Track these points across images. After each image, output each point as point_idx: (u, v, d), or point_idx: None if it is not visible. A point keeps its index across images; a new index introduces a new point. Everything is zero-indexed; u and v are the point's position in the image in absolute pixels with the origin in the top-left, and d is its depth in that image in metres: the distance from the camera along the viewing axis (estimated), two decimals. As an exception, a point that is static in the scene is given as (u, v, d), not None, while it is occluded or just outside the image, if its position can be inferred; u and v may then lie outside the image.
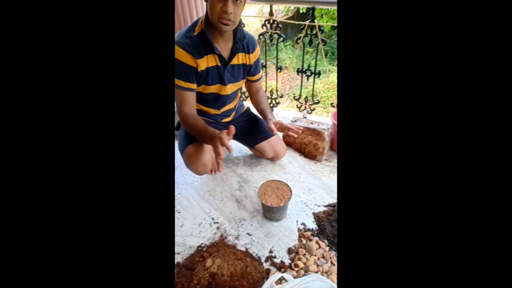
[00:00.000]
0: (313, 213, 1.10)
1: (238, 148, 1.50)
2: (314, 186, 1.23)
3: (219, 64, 1.01)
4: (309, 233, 1.02)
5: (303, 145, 1.38)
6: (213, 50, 0.96)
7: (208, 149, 1.07)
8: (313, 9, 1.35)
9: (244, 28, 1.07)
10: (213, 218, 1.10)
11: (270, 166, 1.36)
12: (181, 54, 0.93)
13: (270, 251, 0.98)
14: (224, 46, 1.00)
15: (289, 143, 1.45)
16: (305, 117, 1.63)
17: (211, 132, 0.89)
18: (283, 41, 1.49)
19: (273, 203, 1.00)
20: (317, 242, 0.98)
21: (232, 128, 0.80)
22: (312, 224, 1.06)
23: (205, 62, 0.98)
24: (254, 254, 0.97)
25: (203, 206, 1.16)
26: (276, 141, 1.28)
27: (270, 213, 1.03)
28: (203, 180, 1.29)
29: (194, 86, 1.00)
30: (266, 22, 1.49)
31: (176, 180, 1.30)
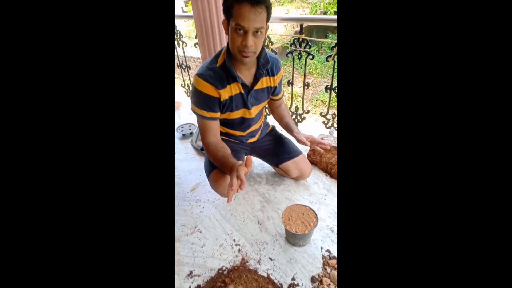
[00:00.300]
0: (339, 240, 1.04)
1: (260, 165, 1.48)
2: (341, 210, 1.17)
3: (243, 92, 1.01)
4: (334, 261, 0.96)
5: (330, 165, 1.33)
6: (236, 79, 0.97)
7: None
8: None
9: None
10: (234, 240, 1.08)
11: (294, 186, 1.32)
12: (203, 86, 0.94)
13: (293, 278, 0.93)
14: (247, 74, 1.00)
15: (315, 162, 1.40)
16: (332, 134, 1.57)
17: (231, 164, 0.89)
18: (312, 58, 1.46)
19: (297, 230, 0.95)
20: (343, 273, 0.92)
21: (249, 160, 0.78)
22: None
23: (228, 91, 0.98)
24: (276, 281, 0.93)
25: (224, 226, 1.14)
26: (301, 161, 1.24)
27: (294, 239, 0.99)
28: (224, 199, 1.28)
29: (217, 115, 1.01)
30: (295, 40, 1.48)
31: (198, 197, 1.30)
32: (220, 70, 0.95)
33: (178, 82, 2.91)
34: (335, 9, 6.84)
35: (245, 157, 0.81)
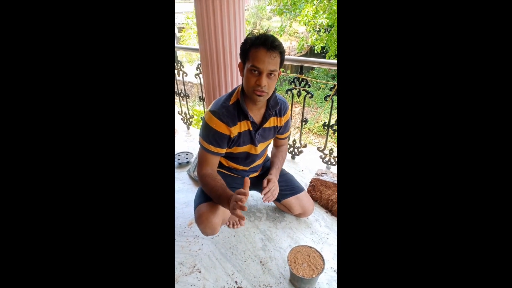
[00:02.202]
0: (344, 284, 1.02)
1: (260, 199, 1.46)
2: (344, 251, 1.16)
3: (251, 129, 1.05)
4: (341, 308, 0.93)
5: (331, 202, 1.34)
6: (247, 117, 1.01)
7: (220, 212, 1.03)
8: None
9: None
10: (236, 282, 1.03)
11: (295, 223, 1.30)
12: (215, 123, 0.97)
13: (298, 327, 0.89)
14: (257, 113, 1.05)
15: (315, 198, 1.40)
16: (330, 170, 1.60)
17: (229, 194, 0.89)
18: (311, 97, 1.53)
19: (304, 274, 0.93)
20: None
21: (247, 180, 0.82)
22: (344, 297, 0.97)
23: (238, 128, 1.02)
24: (280, 330, 0.88)
25: (225, 266, 1.09)
26: (304, 198, 1.24)
27: (300, 283, 0.96)
28: (224, 235, 1.24)
29: (223, 151, 1.03)
30: (295, 80, 1.54)
31: (196, 233, 1.25)
32: (232, 108, 0.99)
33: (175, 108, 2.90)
34: (322, 45, 7.29)
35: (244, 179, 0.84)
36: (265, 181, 1.05)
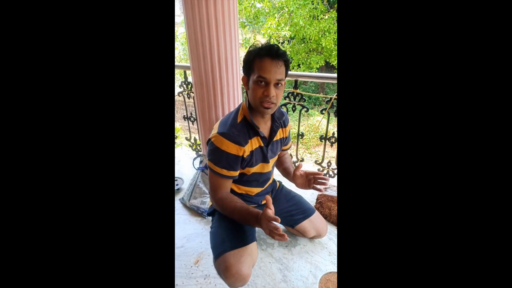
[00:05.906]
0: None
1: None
2: (366, 270, 1.11)
3: (262, 145, 1.00)
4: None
5: (342, 219, 1.30)
6: (257, 133, 0.96)
7: (249, 258, 0.92)
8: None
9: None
10: (263, 325, 0.92)
11: (310, 245, 1.23)
12: (227, 145, 0.89)
13: None
14: (265, 127, 1.00)
15: (324, 215, 1.35)
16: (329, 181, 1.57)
17: (256, 213, 0.82)
18: (306, 111, 1.50)
19: (344, 307, 0.86)
20: None
21: (269, 199, 0.77)
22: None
23: (250, 147, 0.96)
24: None
25: (247, 307, 0.98)
26: (317, 219, 1.18)
27: (337, 316, 0.88)
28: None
29: (236, 174, 0.96)
30: (290, 94, 1.51)
31: (205, 272, 1.12)
32: (241, 126, 0.93)
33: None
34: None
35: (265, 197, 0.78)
36: (298, 172, 1.01)
